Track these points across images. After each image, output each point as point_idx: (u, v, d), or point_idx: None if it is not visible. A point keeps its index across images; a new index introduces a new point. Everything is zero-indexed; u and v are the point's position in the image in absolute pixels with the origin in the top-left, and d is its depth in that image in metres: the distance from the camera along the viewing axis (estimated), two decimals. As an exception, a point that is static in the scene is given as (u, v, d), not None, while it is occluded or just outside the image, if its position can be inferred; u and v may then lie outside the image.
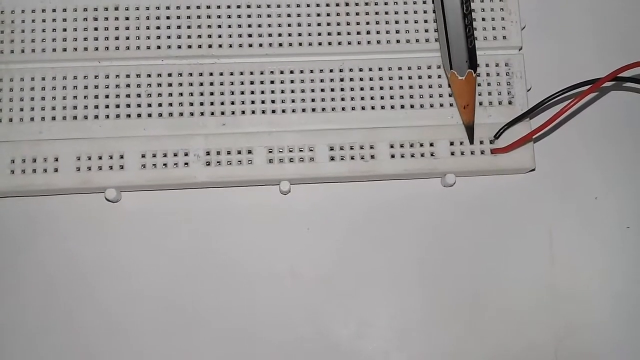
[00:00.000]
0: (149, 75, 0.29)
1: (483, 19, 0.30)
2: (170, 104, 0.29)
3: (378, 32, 0.30)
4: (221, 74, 0.29)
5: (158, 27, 0.29)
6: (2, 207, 0.28)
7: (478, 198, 0.30)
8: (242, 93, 0.29)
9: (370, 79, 0.30)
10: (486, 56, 0.30)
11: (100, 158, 0.28)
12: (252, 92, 0.29)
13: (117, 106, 0.29)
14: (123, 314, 0.28)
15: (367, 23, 0.30)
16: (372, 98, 0.29)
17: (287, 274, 0.29)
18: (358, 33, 0.30)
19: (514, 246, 0.29)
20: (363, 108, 0.29)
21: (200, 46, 0.29)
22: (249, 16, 0.30)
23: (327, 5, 0.30)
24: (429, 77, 0.30)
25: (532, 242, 0.30)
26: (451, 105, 0.30)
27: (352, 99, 0.29)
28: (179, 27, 0.29)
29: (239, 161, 0.29)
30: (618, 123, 0.31)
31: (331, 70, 0.30)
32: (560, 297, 0.29)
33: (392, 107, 0.29)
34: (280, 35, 0.30)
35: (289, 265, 0.29)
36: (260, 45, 0.29)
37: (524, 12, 0.30)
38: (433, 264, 0.29)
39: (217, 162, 0.28)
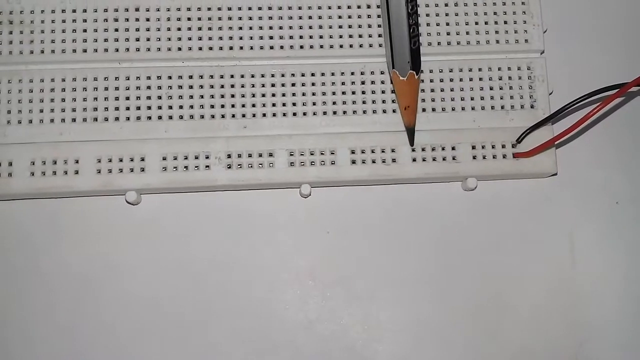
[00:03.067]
0: (170, 77, 0.29)
1: (505, 22, 0.30)
2: (191, 106, 0.29)
3: (399, 35, 0.30)
4: (242, 76, 0.29)
5: (179, 29, 0.29)
6: (22, 209, 0.28)
7: (499, 202, 0.30)
8: (263, 95, 0.29)
9: (391, 82, 0.29)
10: (508, 60, 0.30)
11: (120, 160, 0.28)
12: (273, 95, 0.29)
13: (138, 108, 0.28)
14: (144, 315, 0.28)
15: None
16: (393, 101, 0.29)
17: (307, 276, 0.29)
18: (379, 36, 0.30)
19: (535, 250, 0.29)
20: (384, 111, 0.29)
21: (221, 48, 0.29)
22: (270, 18, 0.29)
23: (349, 7, 0.30)
24: (451, 80, 0.30)
25: (553, 247, 0.29)
26: (473, 108, 0.29)
27: (374, 102, 0.29)
28: (199, 28, 0.29)
29: (260, 164, 0.28)
30: (640, 128, 0.31)
31: (352, 73, 0.29)
32: (581, 301, 0.29)
33: (414, 110, 0.29)
34: (301, 37, 0.29)
35: (309, 268, 0.29)
36: (282, 47, 0.29)
37: (545, 15, 0.30)
38: (453, 267, 0.29)
39: (238, 165, 0.28)
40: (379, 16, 0.30)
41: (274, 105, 0.29)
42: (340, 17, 0.30)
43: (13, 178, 0.28)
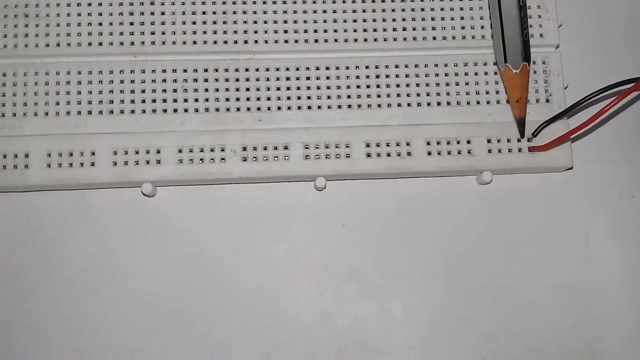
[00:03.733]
0: (185, 71, 0.29)
1: (520, 17, 0.30)
2: (207, 100, 0.29)
3: (414, 29, 0.30)
4: (257, 69, 0.29)
5: (194, 22, 0.29)
6: (38, 200, 0.28)
7: (514, 196, 0.30)
8: (278, 89, 0.29)
9: (407, 76, 0.29)
10: (523, 54, 0.30)
11: (137, 152, 0.28)
12: (288, 88, 0.29)
13: (154, 101, 0.29)
14: (155, 306, 0.28)
15: (403, 20, 0.30)
16: (408, 95, 0.29)
17: (322, 269, 0.29)
18: (394, 30, 0.30)
19: (550, 244, 0.29)
20: (399, 105, 0.29)
21: (236, 42, 0.29)
22: (284, 12, 0.29)
23: (363, 1, 0.30)
24: (466, 74, 0.30)
25: (567, 241, 0.29)
26: (488, 102, 0.29)
27: (388, 95, 0.29)
28: (214, 22, 0.29)
29: (276, 157, 0.28)
30: (658, 122, 0.31)
31: (367, 67, 0.29)
32: (596, 296, 0.29)
33: (429, 104, 0.29)
34: (316, 31, 0.29)
35: (324, 261, 0.29)
36: (296, 41, 0.29)
37: (560, 9, 0.30)
38: (467, 261, 0.29)
39: (254, 157, 0.28)
40: (393, 10, 0.30)
41: (289, 98, 0.29)
42: (354, 11, 0.30)
43: (30, 169, 0.28)
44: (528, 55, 0.28)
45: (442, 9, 0.30)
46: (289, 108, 0.29)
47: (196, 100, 0.29)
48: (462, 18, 0.30)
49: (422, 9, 0.30)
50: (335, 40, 0.29)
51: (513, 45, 0.28)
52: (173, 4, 0.29)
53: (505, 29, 0.28)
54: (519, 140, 0.29)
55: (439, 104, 0.29)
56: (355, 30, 0.30)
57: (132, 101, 0.28)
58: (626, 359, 0.29)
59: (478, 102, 0.29)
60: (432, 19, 0.30)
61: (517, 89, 0.28)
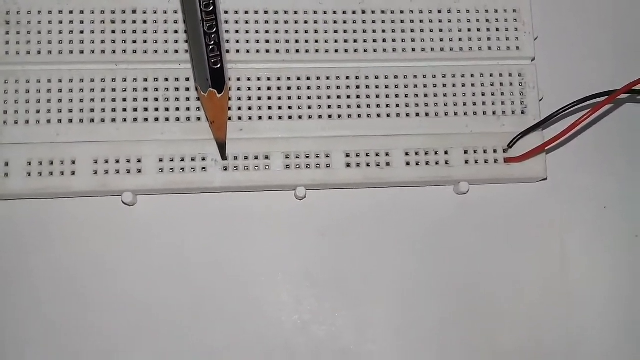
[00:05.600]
0: (167, 79, 0.29)
1: (497, 29, 0.31)
2: (188, 109, 0.29)
3: (394, 40, 0.30)
4: (238, 79, 0.29)
5: (176, 31, 0.29)
6: (18, 209, 0.28)
7: (490, 206, 0.30)
8: (259, 99, 0.29)
9: (386, 87, 0.30)
10: (499, 66, 0.30)
11: (117, 161, 0.28)
12: (269, 98, 0.29)
13: (135, 110, 0.29)
14: (137, 316, 0.28)
15: (383, 31, 0.30)
16: (387, 106, 0.30)
17: (302, 278, 0.29)
18: (374, 41, 0.30)
19: (525, 253, 0.30)
20: (379, 115, 0.30)
21: (217, 51, 0.29)
22: (266, 22, 0.30)
23: (344, 13, 0.30)
24: (444, 85, 0.30)
25: (543, 250, 0.30)
26: (465, 114, 0.30)
27: (368, 106, 0.30)
28: (196, 31, 0.29)
29: (256, 167, 0.29)
30: (629, 135, 0.31)
31: (347, 78, 0.30)
32: (572, 303, 0.30)
33: (408, 114, 0.30)
34: (297, 42, 0.30)
35: (303, 270, 0.29)
36: (277, 51, 0.30)
37: (536, 23, 0.31)
38: (445, 270, 0.30)
39: (235, 167, 0.29)
40: (373, 22, 0.30)
41: (269, 108, 0.29)
42: (335, 22, 0.30)
43: (9, 178, 0.28)
44: (218, 82, 0.27)
45: (421, 21, 0.30)
46: (269, 118, 0.29)
47: (177, 109, 0.29)
48: (440, 30, 0.30)
49: (402, 21, 0.30)
50: (316, 51, 0.30)
51: (200, 70, 0.27)
52: (155, 13, 0.29)
53: (192, 52, 0.27)
54: (495, 151, 0.30)
55: (417, 114, 0.30)
56: (335, 41, 0.30)
57: (113, 110, 0.29)
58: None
59: (455, 114, 0.30)
60: (412, 30, 0.30)
61: (209, 112, 0.28)
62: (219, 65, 0.27)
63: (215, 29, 0.26)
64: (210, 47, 0.26)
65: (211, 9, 0.26)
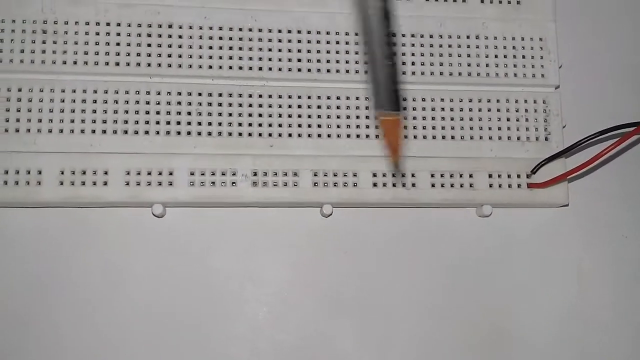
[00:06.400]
0: (200, 94, 0.30)
1: (523, 57, 0.31)
2: (220, 124, 0.29)
3: (422, 64, 0.31)
4: (270, 96, 0.30)
5: (210, 47, 0.30)
6: (50, 217, 0.29)
7: (512, 229, 0.31)
8: (290, 116, 0.30)
9: (413, 109, 0.30)
10: (524, 93, 0.31)
11: (149, 173, 0.29)
12: (299, 116, 0.30)
13: (168, 123, 0.29)
14: (164, 325, 0.29)
15: (412, 54, 0.31)
16: (414, 127, 0.30)
17: (323, 295, 0.30)
18: (403, 63, 0.31)
19: (544, 277, 0.31)
20: (405, 137, 0.30)
21: (250, 68, 0.30)
22: (299, 41, 0.30)
23: (375, 34, 0.31)
24: (470, 110, 0.31)
25: (561, 275, 0.31)
26: (490, 138, 0.31)
27: (396, 127, 0.30)
28: (230, 48, 0.30)
29: (285, 183, 0.29)
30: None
31: (376, 98, 0.30)
32: (588, 328, 0.30)
33: (434, 137, 0.30)
34: (328, 61, 0.30)
35: (324, 287, 0.30)
36: (309, 70, 0.30)
37: (561, 51, 0.32)
38: (465, 290, 0.30)
39: (264, 182, 0.29)
40: (403, 44, 0.31)
41: (299, 126, 0.30)
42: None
43: (42, 186, 0.28)
44: (399, 105, 0.26)
45: (449, 46, 0.31)
46: (299, 135, 0.30)
47: (209, 123, 0.29)
48: (468, 55, 0.31)
49: (431, 45, 0.31)
50: (347, 72, 0.30)
51: (383, 94, 0.26)
52: (191, 28, 0.30)
53: (376, 76, 0.26)
54: (518, 176, 0.30)
55: (443, 137, 0.30)
56: (366, 63, 0.31)
57: (147, 122, 0.29)
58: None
59: (481, 138, 0.31)
60: (440, 54, 0.31)
61: (387, 136, 0.27)
62: (397, 87, 0.26)
63: (393, 59, 0.26)
64: (395, 71, 0.26)
65: (394, 33, 0.26)
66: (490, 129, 0.31)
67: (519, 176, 0.30)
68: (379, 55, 0.26)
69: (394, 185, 0.30)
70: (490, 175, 0.30)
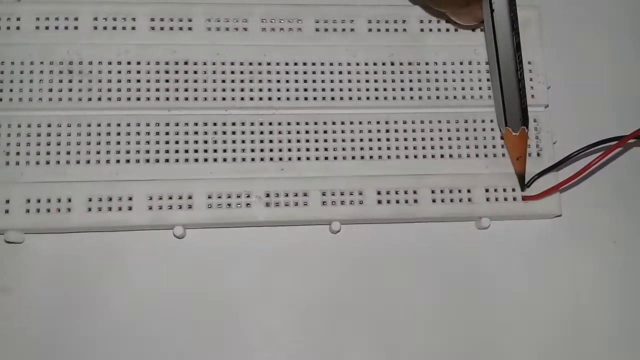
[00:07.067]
0: (215, 124, 0.32)
1: (514, 79, 0.34)
2: (234, 150, 0.32)
3: (420, 89, 0.33)
4: (279, 123, 0.32)
5: (223, 81, 0.32)
6: (79, 241, 0.31)
7: (509, 240, 0.33)
8: (299, 141, 0.32)
9: (413, 131, 0.33)
10: (516, 112, 0.34)
11: (170, 198, 0.31)
12: (307, 141, 0.32)
13: (186, 151, 0.31)
14: (188, 334, 0.31)
15: (410, 81, 0.33)
16: (414, 148, 0.33)
17: (332, 306, 0.32)
18: (402, 90, 0.33)
19: (540, 283, 0.33)
20: (407, 157, 0.32)
21: (260, 98, 0.32)
22: (304, 72, 0.33)
23: (375, 64, 0.33)
24: (466, 130, 0.33)
25: (556, 280, 0.33)
26: (485, 155, 0.33)
27: (397, 148, 0.33)
28: (242, 81, 0.32)
29: (296, 203, 0.31)
30: (637, 176, 0.34)
31: (378, 122, 0.33)
32: (583, 336, 0.32)
33: (433, 156, 0.33)
34: (332, 90, 0.33)
35: (334, 299, 0.32)
36: (315, 98, 0.33)
37: (550, 73, 0.34)
38: (465, 297, 0.32)
39: (276, 203, 0.31)
40: (401, 72, 0.33)
41: (307, 150, 0.32)
42: (367, 72, 0.33)
43: (72, 213, 0.30)
44: (526, 120, 0.31)
45: (444, 72, 0.34)
46: (307, 158, 0.32)
47: (224, 150, 0.32)
48: (462, 80, 0.33)
49: (427, 72, 0.33)
50: (350, 99, 0.33)
51: (512, 111, 0.31)
52: (205, 64, 0.32)
53: (505, 96, 0.31)
54: (513, 190, 0.32)
55: (442, 156, 0.33)
56: (367, 90, 0.33)
57: (167, 151, 0.31)
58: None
59: (477, 155, 0.33)
60: (436, 80, 0.33)
61: (516, 149, 0.32)
62: (525, 105, 0.31)
63: (522, 75, 0.30)
64: (521, 90, 0.30)
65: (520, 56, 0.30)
66: (485, 147, 0.33)
67: (514, 190, 0.32)
68: (507, 70, 0.30)
69: (397, 202, 0.32)
70: (487, 190, 0.32)
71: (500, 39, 0.30)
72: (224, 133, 0.32)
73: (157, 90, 0.32)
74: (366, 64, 0.33)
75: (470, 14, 0.31)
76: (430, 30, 0.34)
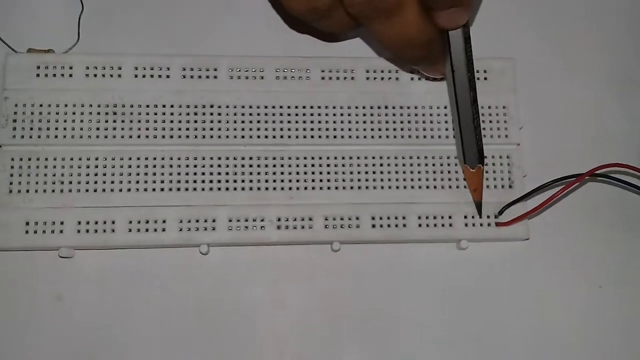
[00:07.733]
0: (235, 158, 0.38)
1: (490, 122, 0.39)
2: (251, 181, 0.37)
3: (409, 129, 0.39)
4: (289, 158, 0.38)
5: (242, 122, 0.38)
6: (121, 257, 0.37)
7: (485, 260, 0.38)
8: (305, 173, 0.38)
9: (403, 165, 0.38)
10: (492, 150, 0.39)
11: (197, 221, 0.37)
12: (313, 173, 0.38)
13: (211, 181, 0.37)
14: (211, 342, 0.36)
15: (401, 122, 0.39)
16: (404, 180, 0.38)
17: (334, 316, 0.37)
18: (394, 129, 0.39)
19: (510, 298, 0.38)
20: (397, 187, 0.38)
21: (274, 137, 0.38)
22: (311, 114, 0.38)
23: (371, 107, 0.39)
24: (448, 165, 0.39)
25: (524, 295, 0.38)
26: (465, 187, 0.38)
27: (389, 180, 0.38)
28: (258, 121, 0.38)
29: (302, 226, 0.37)
30: (595, 207, 0.39)
31: (373, 157, 0.38)
32: (547, 337, 0.37)
33: (420, 187, 0.38)
34: (335, 129, 0.38)
35: (335, 310, 0.37)
36: (320, 137, 0.38)
37: (522, 115, 0.39)
38: (447, 311, 0.37)
39: (286, 226, 0.37)
40: (394, 114, 0.39)
41: (313, 181, 0.38)
42: (364, 115, 0.39)
43: (115, 233, 0.36)
44: (482, 159, 0.36)
45: (430, 115, 0.39)
46: (313, 188, 0.38)
47: (242, 181, 0.37)
48: (446, 122, 0.39)
49: (416, 114, 0.39)
50: (349, 137, 0.38)
51: (470, 151, 0.36)
52: (227, 107, 0.38)
53: (464, 139, 0.36)
54: (488, 217, 0.38)
55: (427, 187, 0.38)
56: (364, 129, 0.39)
57: (194, 181, 0.37)
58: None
59: (457, 187, 0.38)
60: (423, 122, 0.39)
61: (473, 183, 0.37)
62: (480, 146, 0.36)
63: (478, 116, 0.35)
64: (478, 134, 0.36)
65: (475, 97, 0.35)
66: (464, 179, 0.38)
67: (488, 217, 0.38)
68: (465, 119, 0.35)
69: (388, 226, 0.37)
70: (465, 217, 0.38)
71: (459, 94, 0.35)
72: (243, 166, 0.38)
73: (187, 129, 0.38)
74: (364, 107, 0.39)
75: (437, 70, 0.37)
76: (419, 79, 0.39)
